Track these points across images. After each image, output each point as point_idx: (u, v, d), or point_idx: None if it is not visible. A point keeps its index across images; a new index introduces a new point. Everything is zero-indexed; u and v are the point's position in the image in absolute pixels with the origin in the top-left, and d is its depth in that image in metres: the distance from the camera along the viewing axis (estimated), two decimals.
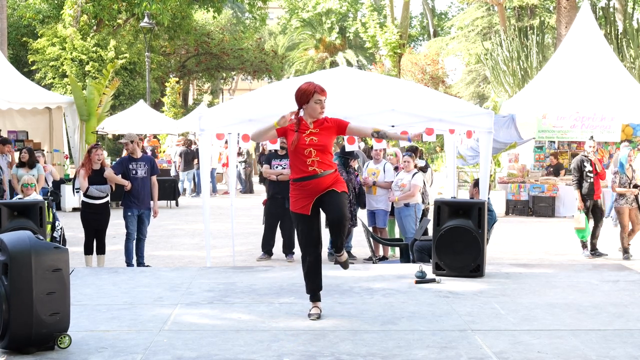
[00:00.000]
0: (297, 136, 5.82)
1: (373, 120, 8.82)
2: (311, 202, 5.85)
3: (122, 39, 30.46)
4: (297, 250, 10.45)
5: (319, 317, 5.94)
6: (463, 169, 17.97)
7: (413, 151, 11.36)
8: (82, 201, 9.52)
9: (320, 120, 5.93)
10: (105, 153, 10.83)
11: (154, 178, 9.74)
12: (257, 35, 43.56)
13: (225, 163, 20.61)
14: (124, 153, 9.69)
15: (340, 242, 5.98)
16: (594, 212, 10.89)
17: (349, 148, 9.57)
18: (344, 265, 6.20)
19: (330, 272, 7.46)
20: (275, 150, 10.59)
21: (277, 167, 10.38)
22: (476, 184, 9.25)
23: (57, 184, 15.58)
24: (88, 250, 9.44)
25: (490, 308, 6.39)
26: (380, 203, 10.28)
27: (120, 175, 9.46)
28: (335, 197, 5.82)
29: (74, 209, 15.87)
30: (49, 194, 11.74)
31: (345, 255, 6.15)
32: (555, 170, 17.37)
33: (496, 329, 5.72)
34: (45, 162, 12.71)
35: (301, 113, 5.92)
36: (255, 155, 19.46)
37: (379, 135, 5.98)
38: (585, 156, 11.01)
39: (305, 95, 5.87)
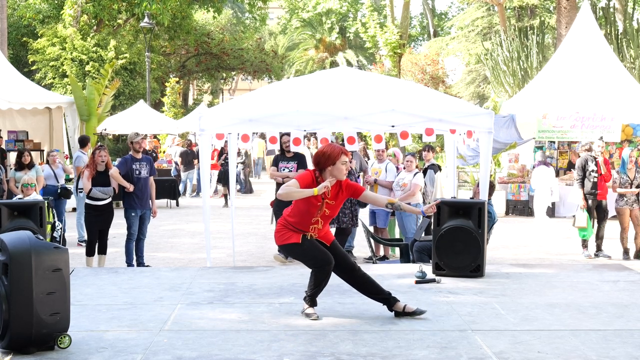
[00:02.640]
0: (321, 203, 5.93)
1: (373, 120, 8.83)
2: (301, 235, 5.99)
3: (122, 39, 30.43)
4: None
5: (318, 316, 5.95)
6: (463, 169, 17.97)
7: (430, 149, 11.44)
8: (86, 203, 9.50)
9: (337, 185, 5.97)
10: None
11: (152, 179, 9.76)
12: (257, 35, 43.55)
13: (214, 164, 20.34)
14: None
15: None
16: (598, 212, 10.89)
17: (349, 148, 9.48)
18: None
19: None
20: (282, 153, 10.49)
21: (284, 170, 10.27)
22: (492, 186, 9.27)
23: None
24: (90, 252, 9.41)
25: (491, 308, 6.39)
26: None
27: (123, 174, 9.44)
28: (340, 248, 6.22)
29: (74, 209, 15.83)
30: (58, 190, 11.75)
31: None
32: None
33: (496, 329, 5.72)
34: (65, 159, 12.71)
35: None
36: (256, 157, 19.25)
37: (394, 207, 6.15)
38: (592, 156, 10.99)
39: (331, 159, 5.92)
